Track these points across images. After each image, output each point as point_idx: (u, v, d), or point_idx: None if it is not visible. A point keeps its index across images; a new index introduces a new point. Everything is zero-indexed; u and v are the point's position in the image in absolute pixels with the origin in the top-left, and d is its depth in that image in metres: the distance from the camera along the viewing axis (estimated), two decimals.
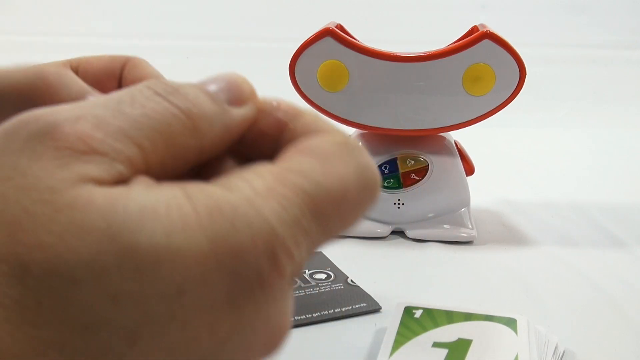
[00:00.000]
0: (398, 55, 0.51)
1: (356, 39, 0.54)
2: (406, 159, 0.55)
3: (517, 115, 0.64)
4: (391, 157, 0.55)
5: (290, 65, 0.53)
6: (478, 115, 0.53)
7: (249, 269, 0.15)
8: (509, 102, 0.52)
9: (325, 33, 0.52)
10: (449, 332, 0.35)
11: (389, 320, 0.37)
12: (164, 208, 0.14)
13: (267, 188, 0.15)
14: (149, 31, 1.17)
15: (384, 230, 0.56)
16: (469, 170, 0.57)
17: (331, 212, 0.16)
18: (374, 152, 0.56)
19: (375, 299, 0.44)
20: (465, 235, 0.55)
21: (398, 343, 0.34)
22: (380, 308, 0.43)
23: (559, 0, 1.20)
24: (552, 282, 0.48)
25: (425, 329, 0.35)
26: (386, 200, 0.55)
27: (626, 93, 1.10)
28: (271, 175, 0.16)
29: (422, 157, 0.55)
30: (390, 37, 0.84)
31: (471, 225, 0.56)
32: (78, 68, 0.30)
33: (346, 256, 0.51)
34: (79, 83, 0.26)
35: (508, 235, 0.57)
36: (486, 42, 0.50)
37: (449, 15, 1.08)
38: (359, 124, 0.54)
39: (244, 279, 0.15)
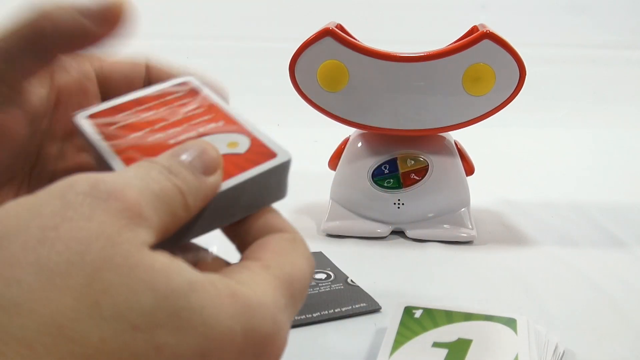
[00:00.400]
0: (398, 55, 0.51)
1: (356, 39, 0.54)
2: (406, 159, 0.55)
3: (517, 115, 0.64)
4: (391, 157, 0.55)
5: (290, 65, 0.53)
6: (478, 115, 0.53)
7: (255, 347, 0.19)
8: (509, 102, 0.52)
9: (325, 33, 0.52)
10: (449, 332, 0.35)
11: (389, 320, 0.37)
12: (200, 285, 0.18)
13: (264, 283, 0.21)
14: (149, 31, 1.17)
15: (384, 230, 0.56)
16: (469, 170, 0.57)
17: (299, 293, 0.22)
18: (374, 152, 0.56)
19: (375, 299, 0.44)
20: (465, 235, 0.55)
21: (398, 343, 0.34)
22: (380, 308, 0.43)
23: (559, 0, 1.20)
24: (552, 282, 0.48)
25: (425, 329, 0.35)
26: (386, 200, 0.55)
27: (626, 93, 1.10)
28: (262, 272, 0.21)
29: (422, 157, 0.55)
30: (390, 37, 0.84)
31: (471, 225, 0.56)
32: (103, 77, 0.31)
33: (346, 256, 0.51)
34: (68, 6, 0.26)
35: (508, 235, 0.57)
36: (486, 42, 0.50)
37: (449, 15, 1.08)
38: (359, 124, 0.54)
39: (250, 356, 0.19)
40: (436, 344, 0.34)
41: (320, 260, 0.50)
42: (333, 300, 0.43)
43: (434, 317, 0.36)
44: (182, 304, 0.18)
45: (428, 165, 0.55)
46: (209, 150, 0.23)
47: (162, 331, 0.17)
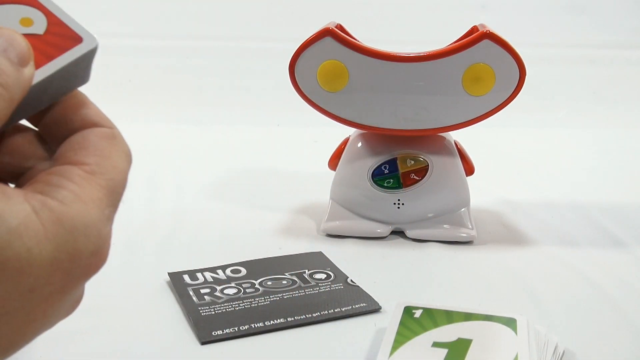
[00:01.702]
0: (398, 55, 0.51)
1: (356, 39, 0.54)
2: (406, 159, 0.55)
3: (517, 115, 0.64)
4: (391, 157, 0.55)
5: (290, 65, 0.53)
6: (478, 115, 0.53)
7: (81, 267, 0.21)
8: (509, 102, 0.52)
9: (325, 33, 0.52)
10: (449, 332, 0.35)
11: (389, 320, 0.37)
12: (23, 227, 0.19)
13: (89, 197, 0.21)
14: (149, 31, 1.17)
15: (384, 230, 0.56)
16: (469, 170, 0.57)
17: (120, 194, 0.22)
18: (374, 152, 0.56)
19: (375, 299, 0.44)
20: (465, 235, 0.55)
21: (398, 343, 0.34)
22: (380, 308, 0.43)
23: (559, 0, 1.19)
24: (552, 282, 0.48)
25: (425, 329, 0.35)
26: (386, 200, 0.55)
27: (626, 93, 1.10)
28: (86, 182, 0.21)
29: (422, 157, 0.55)
30: (390, 37, 0.84)
31: (471, 225, 0.56)
32: None
33: (346, 256, 0.51)
34: None
35: (508, 235, 0.57)
36: (486, 42, 0.50)
37: (449, 15, 1.08)
38: (359, 124, 0.54)
39: (77, 274, 0.21)
40: (436, 344, 0.34)
41: (320, 260, 0.50)
42: (333, 300, 0.43)
43: (434, 317, 0.36)
44: (7, 254, 0.19)
45: (428, 165, 0.55)
46: (19, 40, 0.22)
47: None
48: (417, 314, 0.37)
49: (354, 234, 0.56)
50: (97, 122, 0.23)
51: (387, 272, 0.49)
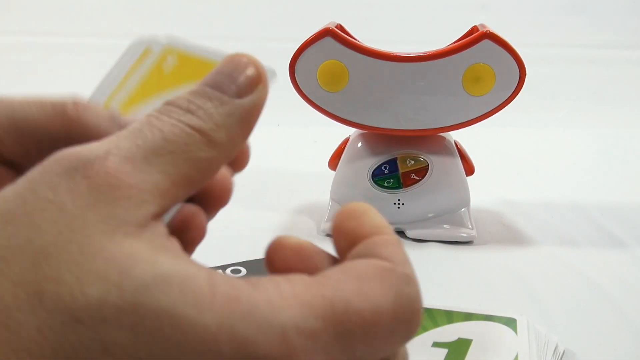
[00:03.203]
0: (398, 55, 0.51)
1: (356, 39, 0.54)
2: (406, 159, 0.55)
3: (517, 115, 0.64)
4: (391, 157, 0.55)
5: (290, 65, 0.53)
6: (478, 115, 0.53)
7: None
8: (509, 102, 0.52)
9: (325, 33, 0.52)
10: (449, 332, 0.35)
11: None
12: (180, 281, 0.15)
13: (294, 294, 0.16)
14: (149, 31, 1.17)
15: None
16: (469, 170, 0.57)
17: (358, 336, 0.16)
18: (374, 152, 0.56)
19: None
20: (465, 235, 0.55)
21: None
22: None
23: (559, 0, 1.19)
24: (552, 282, 0.48)
25: (425, 329, 0.35)
26: (386, 200, 0.55)
27: (626, 93, 1.10)
28: (302, 283, 0.16)
29: (422, 157, 0.55)
30: (390, 37, 0.84)
31: (471, 225, 0.56)
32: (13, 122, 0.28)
33: None
34: (99, 115, 0.24)
35: (508, 235, 0.57)
36: (486, 42, 0.50)
37: (449, 15, 1.08)
38: (359, 124, 0.54)
39: None
40: (436, 344, 0.34)
41: None
42: None
43: (434, 317, 0.36)
44: (141, 299, 0.15)
45: (428, 165, 0.55)
46: (243, 68, 0.19)
47: (110, 328, 0.14)
48: None
49: None
50: (378, 254, 0.19)
51: None
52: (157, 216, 0.17)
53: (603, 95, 1.09)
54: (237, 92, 0.19)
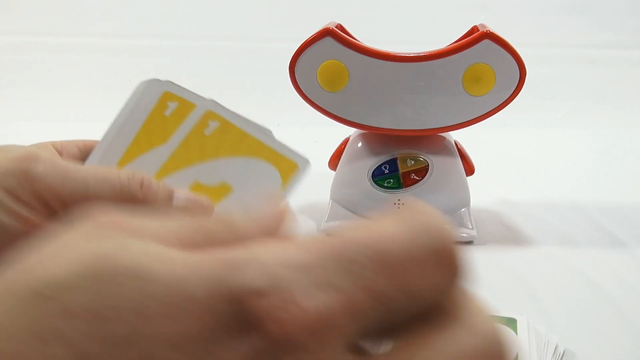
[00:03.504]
0: (398, 55, 0.51)
1: (356, 39, 0.54)
2: (406, 159, 0.55)
3: (517, 115, 0.64)
4: (391, 157, 0.55)
5: (290, 65, 0.53)
6: (478, 115, 0.53)
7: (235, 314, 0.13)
8: (509, 102, 0.52)
9: (325, 33, 0.52)
10: None
11: None
12: (140, 246, 0.14)
13: (278, 246, 0.14)
14: (149, 31, 1.17)
15: None
16: (469, 170, 0.57)
17: (367, 265, 0.14)
18: (374, 152, 0.56)
19: None
20: (465, 235, 0.55)
21: None
22: None
23: (559, 0, 1.19)
24: (552, 282, 0.48)
25: None
26: (386, 200, 0.55)
27: (626, 93, 1.10)
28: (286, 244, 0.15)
29: (422, 157, 0.55)
30: (390, 37, 0.84)
31: (471, 225, 0.56)
32: (62, 153, 0.32)
33: None
34: (160, 197, 0.28)
35: (508, 235, 0.57)
36: (486, 42, 0.50)
37: (449, 15, 1.08)
38: (359, 124, 0.54)
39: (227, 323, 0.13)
40: None
41: None
42: None
43: None
44: (103, 264, 0.14)
45: (428, 165, 0.55)
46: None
47: (72, 292, 0.13)
48: None
49: None
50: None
51: None
52: None
53: (603, 95, 1.09)
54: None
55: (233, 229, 0.16)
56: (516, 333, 0.35)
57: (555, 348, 0.36)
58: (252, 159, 0.30)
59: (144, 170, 0.31)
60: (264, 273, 0.13)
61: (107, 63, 1.12)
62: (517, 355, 0.33)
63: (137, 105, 0.32)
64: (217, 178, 0.30)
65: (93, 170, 0.28)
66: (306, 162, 0.30)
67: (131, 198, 0.27)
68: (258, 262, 0.13)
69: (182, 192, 0.29)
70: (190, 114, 0.31)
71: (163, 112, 0.32)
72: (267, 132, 0.31)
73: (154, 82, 0.33)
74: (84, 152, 0.32)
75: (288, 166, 0.31)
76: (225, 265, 0.13)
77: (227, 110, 0.32)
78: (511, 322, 0.36)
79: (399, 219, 0.15)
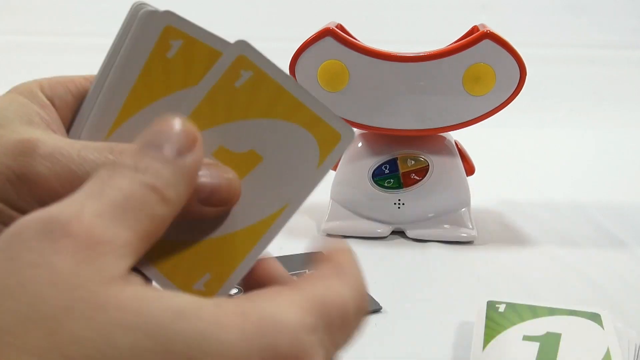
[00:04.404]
0: (398, 55, 0.51)
1: (356, 39, 0.54)
2: (406, 159, 0.55)
3: (517, 115, 0.64)
4: (391, 157, 0.55)
5: (290, 65, 0.53)
6: (478, 115, 0.53)
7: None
8: (509, 102, 0.52)
9: (326, 33, 0.52)
10: (537, 326, 0.35)
11: (475, 314, 0.37)
12: (195, 311, 0.16)
13: (289, 300, 0.18)
14: None
15: (384, 230, 0.56)
16: (469, 170, 0.57)
17: (337, 324, 0.18)
18: (374, 152, 0.56)
19: (375, 299, 0.44)
20: (465, 235, 0.55)
21: (489, 336, 0.35)
22: (381, 308, 0.43)
23: (559, 1, 1.19)
24: (552, 282, 0.48)
25: (512, 323, 0.36)
26: (386, 200, 0.55)
27: (626, 93, 1.10)
28: (289, 291, 0.19)
29: (422, 157, 0.55)
30: (390, 37, 0.84)
31: (471, 225, 0.56)
32: (53, 101, 0.28)
33: None
34: (64, 157, 0.23)
35: (508, 235, 0.57)
36: (486, 42, 0.50)
37: (449, 15, 1.08)
38: (359, 124, 0.54)
39: None
40: (526, 337, 0.34)
41: None
42: None
43: (518, 312, 0.37)
44: (170, 335, 0.15)
45: (428, 165, 0.55)
46: (175, 127, 0.20)
47: None
48: (501, 308, 0.37)
49: (355, 234, 0.56)
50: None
51: (387, 272, 0.49)
52: (131, 269, 0.18)
53: (603, 95, 1.09)
54: (179, 151, 0.20)
55: (169, 203, 0.19)
56: (602, 327, 0.35)
57: (629, 342, 0.36)
58: (288, 123, 0.25)
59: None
60: (294, 340, 0.17)
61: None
62: (608, 349, 0.33)
63: (132, 43, 0.26)
64: (247, 144, 0.25)
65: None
66: (351, 132, 0.24)
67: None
68: (286, 328, 0.17)
69: (206, 176, 0.23)
70: (219, 60, 0.25)
71: (165, 54, 0.26)
72: (306, 92, 0.25)
73: (151, 15, 0.26)
74: (77, 98, 0.28)
75: (329, 136, 0.25)
76: (263, 330, 0.16)
77: (264, 57, 0.25)
78: (595, 317, 0.36)
79: (347, 282, 0.20)
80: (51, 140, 0.23)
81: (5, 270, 0.16)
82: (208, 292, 0.24)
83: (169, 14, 0.26)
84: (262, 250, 0.24)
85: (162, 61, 0.26)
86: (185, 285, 0.24)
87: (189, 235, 0.24)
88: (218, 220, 0.24)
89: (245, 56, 0.25)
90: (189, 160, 0.20)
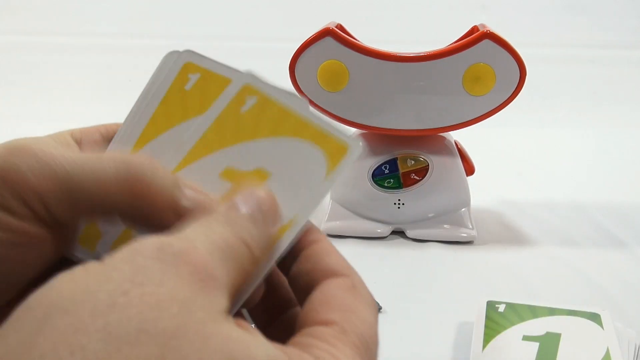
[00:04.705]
0: (398, 55, 0.51)
1: (356, 39, 0.54)
2: (406, 159, 0.55)
3: (517, 115, 0.64)
4: (391, 157, 0.55)
5: (290, 65, 0.53)
6: (478, 115, 0.53)
7: None
8: (509, 102, 0.52)
9: (326, 33, 0.52)
10: (536, 326, 0.35)
11: (475, 314, 0.37)
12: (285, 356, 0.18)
13: (346, 357, 0.19)
14: (150, 31, 1.17)
15: (384, 230, 0.56)
16: (469, 170, 0.58)
17: (374, 355, 0.21)
18: (374, 152, 0.56)
19: (375, 298, 0.44)
20: (465, 235, 0.55)
21: (488, 336, 0.35)
22: (381, 308, 0.43)
23: (559, 1, 1.20)
24: (552, 282, 0.48)
25: (511, 323, 0.36)
26: (386, 200, 0.55)
27: (626, 93, 1.10)
28: (338, 341, 0.20)
29: (422, 157, 0.55)
30: (390, 37, 0.83)
31: (471, 225, 0.56)
32: (81, 141, 0.29)
33: (346, 256, 0.51)
34: (167, 176, 0.24)
35: (508, 235, 0.57)
36: (486, 42, 0.50)
37: (449, 15, 1.08)
38: (359, 124, 0.54)
39: None
40: (526, 337, 0.34)
41: None
42: None
43: (518, 312, 0.37)
44: None
45: (428, 165, 0.55)
46: (266, 200, 0.22)
47: None
48: (501, 308, 0.37)
49: (355, 234, 0.56)
50: (337, 272, 0.23)
51: (387, 272, 0.49)
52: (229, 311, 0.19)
53: (603, 95, 1.10)
54: (264, 220, 0.21)
55: (256, 262, 0.21)
56: (602, 327, 0.35)
57: (629, 342, 0.36)
58: (294, 139, 0.26)
59: (164, 153, 0.27)
60: None
61: (107, 63, 1.13)
62: (608, 349, 0.33)
63: (155, 81, 0.29)
64: (253, 163, 0.26)
65: (80, 162, 0.24)
66: (357, 143, 0.25)
67: (129, 195, 0.23)
68: None
69: (188, 190, 0.25)
70: (225, 89, 0.27)
71: (183, 86, 0.28)
72: (309, 107, 0.26)
73: (172, 54, 0.30)
74: (106, 137, 0.29)
75: (336, 148, 0.25)
76: None
77: (268, 83, 0.27)
78: (595, 317, 0.36)
79: (369, 308, 0.22)
80: (37, 144, 0.24)
81: (131, 282, 0.17)
82: None
83: (189, 52, 0.30)
84: (273, 261, 0.24)
85: (181, 92, 0.28)
86: None
87: None
88: None
89: (249, 85, 0.27)
90: (274, 231, 0.22)
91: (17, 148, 0.23)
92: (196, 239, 0.19)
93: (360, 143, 0.25)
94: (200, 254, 0.18)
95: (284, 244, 0.25)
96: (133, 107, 0.29)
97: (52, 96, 1.06)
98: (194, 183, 0.25)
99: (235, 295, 0.20)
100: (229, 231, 0.20)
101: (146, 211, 0.23)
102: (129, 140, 0.28)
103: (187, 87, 0.28)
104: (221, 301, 0.18)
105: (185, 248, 0.18)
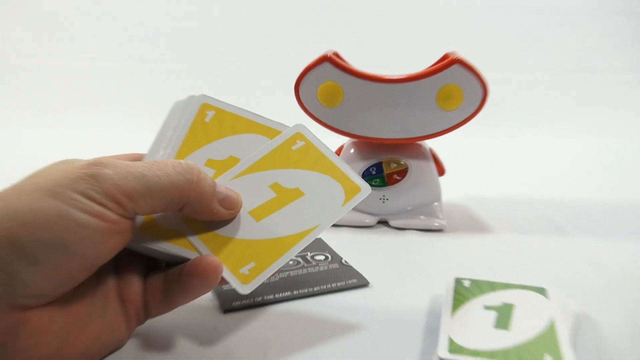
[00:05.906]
0: (384, 78, 0.52)
1: (349, 64, 0.54)
2: (390, 163, 0.56)
3: (480, 127, 0.64)
4: (378, 161, 0.56)
5: (295, 85, 0.53)
6: (449, 126, 0.53)
7: None
8: (475, 116, 0.52)
9: (324, 59, 0.52)
10: (494, 298, 0.36)
11: (445, 288, 0.38)
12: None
13: None
14: (159, 56, 1.15)
15: (372, 220, 0.56)
16: (441, 171, 0.58)
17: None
18: (364, 157, 0.56)
19: (364, 276, 0.44)
20: (437, 224, 0.55)
21: (456, 306, 0.35)
22: (368, 283, 0.43)
23: (519, 31, 1.19)
24: (508, 262, 0.48)
25: (474, 295, 0.36)
26: (374, 196, 0.56)
27: (571, 105, 1.10)
28: None
29: (402, 161, 0.56)
30: (377, 62, 0.84)
31: (442, 216, 0.56)
32: None
33: (340, 241, 0.52)
34: (208, 177, 0.30)
35: (473, 225, 0.57)
36: (456, 67, 0.51)
37: (425, 45, 1.08)
38: (352, 134, 0.54)
39: None
40: (486, 307, 0.35)
41: (320, 245, 0.50)
42: (330, 277, 0.44)
43: (480, 286, 0.37)
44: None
45: (408, 167, 0.56)
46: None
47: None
48: (467, 283, 0.38)
49: (347, 223, 0.56)
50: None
51: (374, 255, 0.50)
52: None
53: (552, 109, 1.10)
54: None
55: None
56: (548, 299, 0.35)
57: (574, 311, 0.37)
58: (325, 175, 0.31)
59: (199, 164, 0.32)
60: None
61: (106, 69, 1.11)
62: (552, 317, 0.33)
63: (181, 117, 0.32)
64: (294, 183, 0.31)
65: (149, 165, 0.27)
66: (368, 188, 0.31)
67: (187, 187, 0.27)
68: None
69: (222, 187, 0.30)
70: (282, 132, 0.33)
71: (203, 119, 0.32)
72: (340, 160, 0.32)
73: (193, 98, 0.34)
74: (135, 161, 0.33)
75: (352, 188, 0.32)
76: None
77: (314, 135, 0.33)
78: (542, 290, 0.36)
79: None
80: (114, 159, 0.29)
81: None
82: (250, 276, 0.28)
83: (204, 96, 0.34)
84: (294, 253, 0.29)
85: (202, 124, 0.33)
86: (234, 268, 0.28)
87: (245, 235, 0.29)
88: (267, 228, 0.30)
89: (301, 133, 0.33)
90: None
91: (100, 162, 0.26)
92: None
93: (369, 189, 0.31)
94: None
95: (307, 241, 0.29)
96: (157, 136, 0.32)
97: (62, 106, 1.04)
98: (242, 187, 0.31)
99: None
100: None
101: (195, 202, 0.28)
102: (169, 157, 0.32)
103: (207, 120, 0.32)
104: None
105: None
